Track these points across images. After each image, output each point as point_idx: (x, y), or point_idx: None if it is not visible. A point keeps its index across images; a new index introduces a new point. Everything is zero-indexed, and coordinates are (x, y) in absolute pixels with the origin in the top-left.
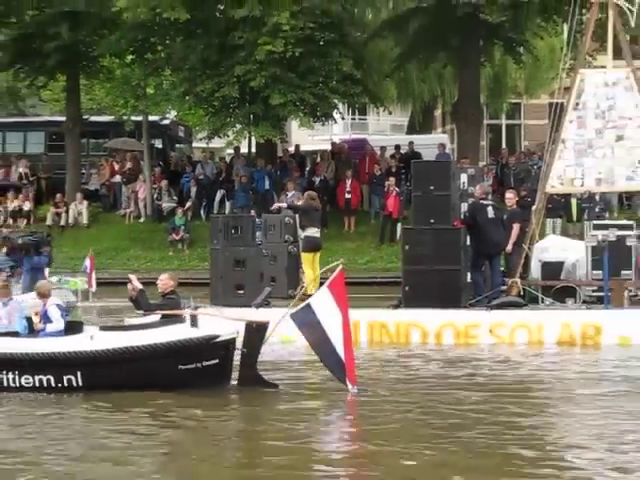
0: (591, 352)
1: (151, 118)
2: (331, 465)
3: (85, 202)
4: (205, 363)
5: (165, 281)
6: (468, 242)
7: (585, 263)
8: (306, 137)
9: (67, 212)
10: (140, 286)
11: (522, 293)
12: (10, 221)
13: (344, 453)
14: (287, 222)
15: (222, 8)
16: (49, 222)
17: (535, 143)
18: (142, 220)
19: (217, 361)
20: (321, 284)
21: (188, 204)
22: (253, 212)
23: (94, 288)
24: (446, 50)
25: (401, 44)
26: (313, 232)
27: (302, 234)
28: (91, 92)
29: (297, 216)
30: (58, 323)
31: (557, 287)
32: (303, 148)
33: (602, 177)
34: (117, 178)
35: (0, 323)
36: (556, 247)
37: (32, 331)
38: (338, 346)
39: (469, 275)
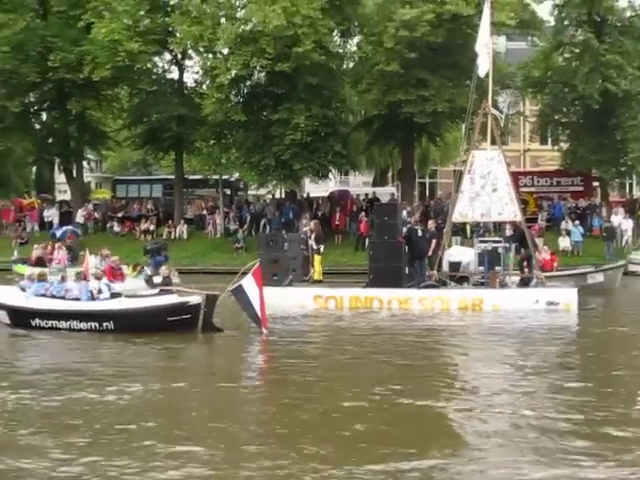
0: (477, 314)
1: (224, 177)
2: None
3: (185, 225)
4: (182, 317)
5: (164, 271)
6: (406, 250)
7: (474, 262)
8: (313, 187)
9: (175, 230)
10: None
11: (438, 280)
12: (142, 236)
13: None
14: (302, 238)
15: (265, 114)
16: (165, 237)
17: (445, 193)
18: (218, 236)
19: (190, 316)
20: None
21: (245, 226)
22: (283, 232)
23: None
24: (394, 139)
25: (368, 135)
26: (321, 246)
27: (315, 246)
28: (189, 161)
29: (313, 236)
30: (106, 294)
31: (458, 276)
32: (312, 194)
33: (484, 213)
34: (204, 211)
35: (72, 293)
36: (457, 253)
37: (93, 299)
38: (257, 307)
39: (407, 269)
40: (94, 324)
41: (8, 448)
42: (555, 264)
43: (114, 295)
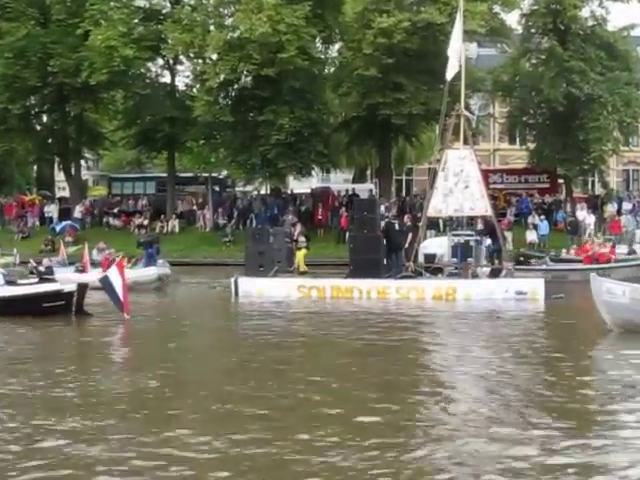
0: (450, 303)
1: (213, 175)
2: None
3: (177, 220)
4: (57, 303)
5: (46, 262)
6: (384, 242)
7: (448, 254)
8: (297, 184)
9: (167, 225)
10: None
11: (414, 271)
12: (136, 230)
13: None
14: (286, 231)
15: (252, 115)
16: (157, 231)
17: (421, 189)
18: (208, 230)
19: (64, 302)
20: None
21: (233, 221)
22: (269, 226)
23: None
24: (372, 139)
25: (348, 135)
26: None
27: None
28: (180, 160)
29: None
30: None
31: (433, 267)
32: (295, 191)
33: (457, 208)
34: (194, 207)
35: None
36: (432, 246)
37: None
38: (120, 294)
39: (385, 261)
40: None
41: None
42: (613, 257)
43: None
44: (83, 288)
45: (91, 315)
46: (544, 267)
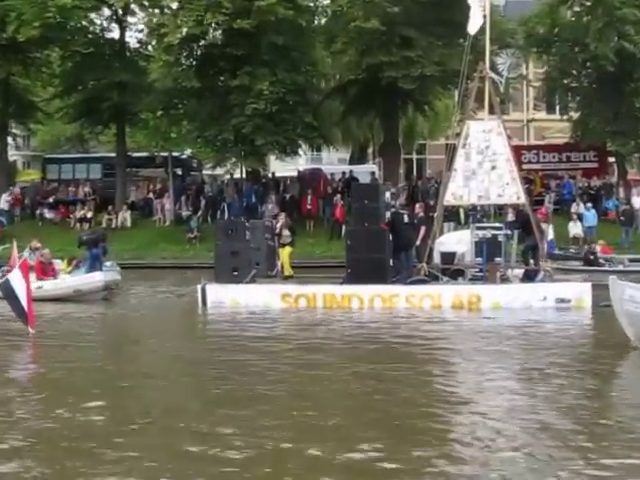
0: (474, 314)
1: (174, 154)
2: None
3: (129, 211)
4: None
5: None
6: (390, 239)
7: (470, 253)
8: (280, 166)
9: (116, 218)
10: None
11: (427, 274)
12: (78, 225)
13: None
14: (267, 225)
15: (222, 79)
16: (104, 225)
17: (436, 171)
18: (167, 224)
19: None
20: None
21: (200, 212)
22: (243, 219)
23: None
24: (374, 108)
25: (344, 103)
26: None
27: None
28: (133, 136)
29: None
30: None
31: (451, 269)
32: (278, 174)
33: (482, 194)
34: (151, 195)
35: None
36: (450, 242)
37: None
38: (24, 303)
39: (391, 261)
40: None
41: None
42: None
43: None
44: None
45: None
46: (620, 268)
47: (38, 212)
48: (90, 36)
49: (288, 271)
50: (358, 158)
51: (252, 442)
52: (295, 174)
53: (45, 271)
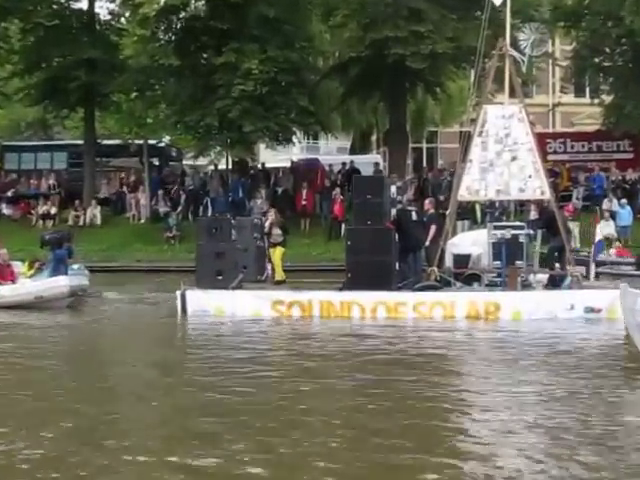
0: (491, 324)
1: (150, 142)
2: None
3: (98, 207)
4: None
5: None
6: (397, 239)
7: (487, 255)
8: (271, 156)
9: (84, 215)
10: None
11: (438, 279)
12: (40, 222)
13: None
14: (255, 223)
15: (205, 56)
16: (70, 223)
17: (449, 162)
18: (143, 221)
19: None
20: None
21: (179, 208)
22: (229, 215)
23: None
24: (379, 90)
25: (344, 85)
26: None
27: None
28: (103, 121)
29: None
30: None
31: (466, 274)
32: (268, 165)
33: (500, 189)
34: (124, 189)
35: None
36: (465, 243)
37: None
38: None
39: (397, 264)
40: None
41: None
42: None
43: None
44: None
45: None
46: None
47: None
48: (55, 6)
49: (280, 275)
50: (360, 147)
51: None
52: (288, 165)
53: (2, 274)
